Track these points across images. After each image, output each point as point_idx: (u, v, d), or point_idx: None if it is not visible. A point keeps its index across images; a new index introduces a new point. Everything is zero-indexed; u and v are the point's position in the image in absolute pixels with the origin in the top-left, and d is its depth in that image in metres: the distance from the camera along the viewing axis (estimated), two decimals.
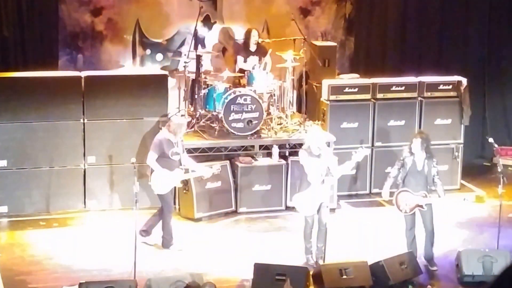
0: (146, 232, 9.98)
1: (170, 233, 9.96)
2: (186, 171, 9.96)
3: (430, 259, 9.59)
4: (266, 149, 11.44)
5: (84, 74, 11.16)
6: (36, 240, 10.14)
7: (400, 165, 9.47)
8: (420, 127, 12.16)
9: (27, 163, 10.83)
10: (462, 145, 12.43)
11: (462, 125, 12.41)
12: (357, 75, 12.77)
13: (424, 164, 9.39)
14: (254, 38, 12.21)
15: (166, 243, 9.95)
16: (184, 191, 10.88)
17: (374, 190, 12.00)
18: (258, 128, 11.32)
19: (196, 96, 11.62)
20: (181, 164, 9.86)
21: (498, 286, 2.17)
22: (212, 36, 13.17)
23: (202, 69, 11.67)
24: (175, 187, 10.26)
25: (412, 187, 9.37)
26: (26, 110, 10.73)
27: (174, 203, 11.07)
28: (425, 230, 9.56)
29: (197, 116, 11.55)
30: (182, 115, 11.22)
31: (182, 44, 12.99)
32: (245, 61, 12.16)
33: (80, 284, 8.34)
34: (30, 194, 10.86)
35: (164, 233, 9.95)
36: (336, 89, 12.02)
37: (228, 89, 11.40)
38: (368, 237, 10.45)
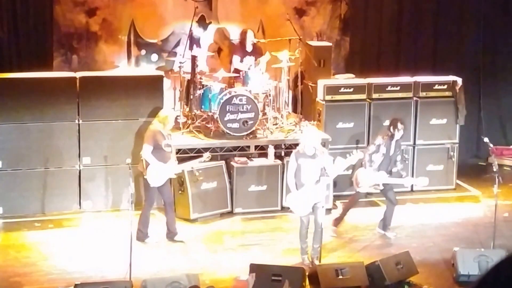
0: (170, 232, 10.11)
1: (146, 226, 10.06)
2: (180, 162, 10.07)
3: (387, 226, 10.45)
4: (262, 150, 11.46)
5: (79, 74, 11.17)
6: (31, 241, 10.14)
7: (373, 150, 10.22)
8: (415, 126, 12.25)
9: (22, 164, 10.83)
10: (457, 145, 12.46)
11: (458, 125, 12.45)
12: (352, 75, 12.82)
13: (395, 147, 10.24)
14: (250, 38, 12.22)
15: (141, 236, 10.00)
16: (180, 192, 10.90)
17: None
18: (253, 128, 11.34)
19: (191, 97, 11.62)
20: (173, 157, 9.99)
21: (483, 285, 2.19)
22: (207, 36, 13.19)
23: (198, 70, 11.66)
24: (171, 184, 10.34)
25: (384, 169, 10.16)
26: (21, 111, 10.73)
27: None
28: (391, 203, 10.34)
29: (192, 116, 11.56)
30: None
31: (177, 44, 13.02)
32: (241, 61, 12.16)
33: (76, 286, 8.39)
34: (25, 195, 10.85)
35: (140, 225, 10.00)
36: (332, 89, 12.05)
37: (224, 89, 11.41)
38: (364, 237, 10.48)
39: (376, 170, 10.16)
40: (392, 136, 10.21)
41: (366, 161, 10.14)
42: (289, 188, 9.62)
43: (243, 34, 12.33)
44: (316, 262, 9.31)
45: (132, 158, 9.82)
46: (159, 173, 9.82)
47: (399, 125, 10.23)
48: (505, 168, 13.26)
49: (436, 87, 12.38)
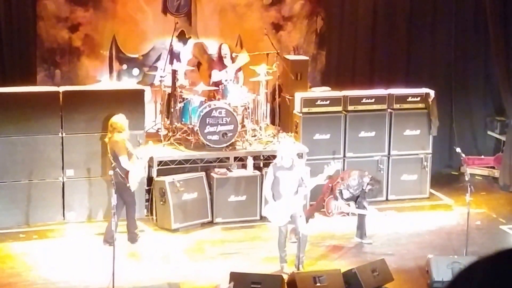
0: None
1: (136, 227, 10.30)
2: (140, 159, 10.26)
3: (364, 234, 10.78)
4: (241, 161, 11.62)
5: (62, 89, 11.25)
6: (16, 252, 10.19)
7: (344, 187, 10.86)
8: (390, 138, 12.42)
9: (7, 176, 10.89)
10: (430, 155, 12.62)
11: (430, 136, 12.62)
12: (328, 88, 12.95)
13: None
14: (228, 52, 12.34)
15: (134, 237, 10.19)
16: (161, 203, 11.05)
17: None
18: (233, 140, 11.48)
19: (172, 110, 11.77)
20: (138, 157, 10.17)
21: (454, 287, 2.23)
22: (187, 51, 13.34)
23: (178, 83, 11.80)
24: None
25: (353, 200, 10.87)
26: (5, 125, 10.80)
27: (151, 214, 11.30)
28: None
29: (173, 129, 11.74)
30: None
31: (158, 59, 13.13)
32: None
33: None
34: (9, 207, 10.90)
35: (132, 228, 10.18)
36: (309, 102, 12.22)
37: (203, 102, 11.56)
38: (340, 245, 10.66)
39: (344, 201, 10.75)
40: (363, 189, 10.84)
41: (337, 194, 10.74)
42: (267, 199, 9.75)
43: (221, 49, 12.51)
44: (301, 270, 9.36)
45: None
46: (137, 177, 10.03)
47: (374, 184, 10.82)
48: (476, 177, 13.41)
49: (410, 99, 12.55)
